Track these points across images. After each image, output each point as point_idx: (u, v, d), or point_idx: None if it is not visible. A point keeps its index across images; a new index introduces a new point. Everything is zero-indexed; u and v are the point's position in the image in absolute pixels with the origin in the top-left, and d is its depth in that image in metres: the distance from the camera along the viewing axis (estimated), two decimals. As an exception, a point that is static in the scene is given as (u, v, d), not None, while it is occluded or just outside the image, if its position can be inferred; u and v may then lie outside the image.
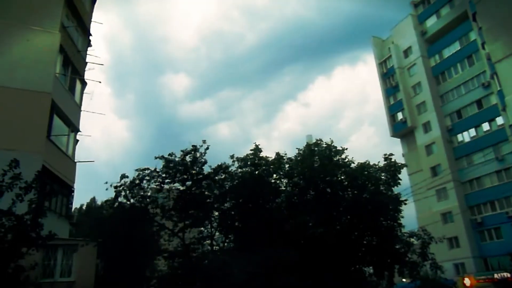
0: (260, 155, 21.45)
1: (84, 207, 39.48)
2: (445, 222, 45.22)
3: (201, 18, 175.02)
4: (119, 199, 19.69)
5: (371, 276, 22.47)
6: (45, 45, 17.35)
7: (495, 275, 34.86)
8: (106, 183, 19.32)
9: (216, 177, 20.90)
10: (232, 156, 21.27)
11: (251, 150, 21.60)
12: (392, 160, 22.59)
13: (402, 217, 22.32)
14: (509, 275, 22.66)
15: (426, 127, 49.71)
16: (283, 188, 22.17)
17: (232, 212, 20.79)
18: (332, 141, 22.40)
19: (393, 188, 22.33)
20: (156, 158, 20.18)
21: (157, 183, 20.42)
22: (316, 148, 22.61)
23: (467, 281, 37.23)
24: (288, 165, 22.25)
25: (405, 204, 22.61)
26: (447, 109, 48.50)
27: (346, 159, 22.38)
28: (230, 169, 21.14)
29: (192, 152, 20.53)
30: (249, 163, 21.18)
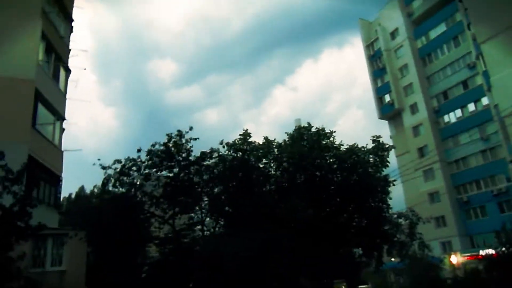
0: (249, 140, 21.42)
1: (72, 196, 39.18)
2: (432, 202, 46.22)
3: (187, 3, 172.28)
4: (108, 187, 19.73)
5: (361, 257, 22.91)
6: (26, 32, 16.96)
7: (481, 252, 35.84)
8: (97, 163, 19.31)
9: (204, 163, 20.77)
10: (221, 142, 21.19)
11: (240, 135, 21.52)
12: (380, 142, 22.88)
13: (390, 198, 22.73)
14: (494, 252, 23.20)
15: (413, 108, 50.23)
16: (273, 173, 22.27)
17: (222, 197, 20.79)
18: (323, 127, 22.58)
19: (381, 170, 22.63)
20: (138, 151, 19.93)
21: (143, 173, 20.31)
22: (305, 132, 22.78)
23: (453, 259, 38.24)
24: (277, 150, 22.32)
25: (393, 185, 23.01)
26: (433, 91, 49.01)
27: (335, 143, 22.60)
28: (216, 150, 21.02)
29: (176, 138, 20.31)
30: (238, 148, 21.08)
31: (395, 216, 23.10)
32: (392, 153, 24.82)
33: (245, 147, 21.24)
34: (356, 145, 22.74)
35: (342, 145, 22.45)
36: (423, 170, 47.12)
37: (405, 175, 41.88)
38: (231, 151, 21.17)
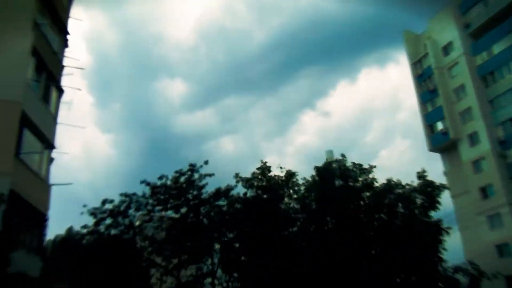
0: (270, 175, 21.84)
1: (59, 239, 39.57)
2: (501, 256, 44.42)
3: (200, 13, 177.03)
4: (101, 229, 20.09)
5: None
6: (15, 46, 17.33)
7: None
8: (85, 206, 19.66)
9: (217, 202, 21.25)
10: (236, 175, 21.59)
11: (257, 168, 21.92)
12: (428, 178, 22.92)
13: (445, 249, 22.28)
14: None
15: (473, 139, 49.34)
16: (298, 215, 22.37)
17: (237, 245, 20.86)
18: (360, 165, 22.83)
19: (430, 214, 22.51)
20: (142, 182, 20.54)
21: (145, 212, 20.87)
22: (337, 166, 22.95)
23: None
24: (303, 187, 22.56)
25: (448, 233, 22.50)
26: (498, 117, 48.13)
27: (376, 180, 22.86)
28: (233, 191, 21.62)
29: (188, 173, 20.93)
30: (255, 184, 21.51)
31: (452, 271, 22.36)
32: (446, 194, 24.57)
33: (264, 183, 21.61)
34: (397, 181, 22.80)
35: (376, 182, 22.61)
36: (488, 215, 45.76)
37: (464, 221, 40.65)
38: (247, 188, 21.57)
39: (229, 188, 21.32)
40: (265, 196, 21.30)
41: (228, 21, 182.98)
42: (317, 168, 23.01)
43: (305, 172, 21.99)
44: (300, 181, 22.72)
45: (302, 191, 22.48)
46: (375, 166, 22.80)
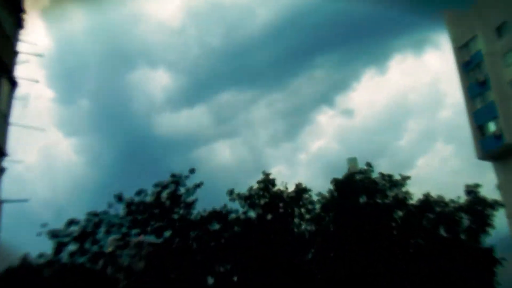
0: (274, 190, 21.85)
1: (11, 268, 39.49)
2: None
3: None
4: (63, 257, 20.02)
5: None
6: None
7: None
8: (46, 225, 19.57)
9: (210, 226, 21.22)
10: (231, 192, 21.58)
11: (258, 182, 21.88)
12: (478, 194, 22.85)
13: (499, 283, 22.07)
14: None
15: (534, 143, 49.09)
16: (312, 237, 22.34)
17: (235, 278, 20.84)
18: (390, 177, 22.83)
19: (480, 238, 22.32)
20: (115, 198, 20.59)
21: (119, 236, 20.82)
22: (361, 179, 22.99)
23: None
24: (319, 205, 22.57)
25: (502, 264, 22.09)
26: None
27: (411, 195, 22.78)
28: (230, 211, 21.60)
29: (172, 186, 20.88)
30: (257, 201, 21.46)
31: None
32: (500, 213, 24.27)
33: (267, 200, 21.66)
34: (437, 196, 22.79)
35: (411, 198, 22.58)
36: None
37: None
38: (247, 207, 21.58)
39: (227, 212, 21.37)
40: (269, 216, 21.39)
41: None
42: (336, 181, 22.99)
43: (321, 186, 21.61)
44: (315, 197, 22.72)
45: (317, 210, 22.47)
46: (409, 178, 22.73)
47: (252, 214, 21.61)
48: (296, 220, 22.09)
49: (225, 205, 21.32)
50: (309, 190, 22.67)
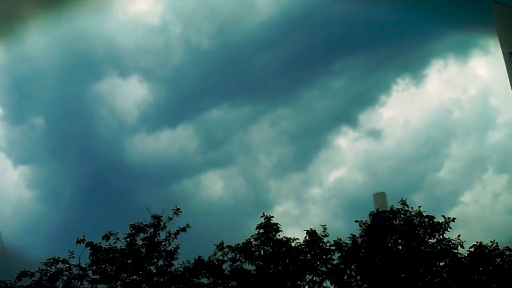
0: (277, 238, 19.74)
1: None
2: None
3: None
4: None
5: None
6: None
7: None
8: None
9: (197, 280, 18.99)
10: (220, 246, 19.48)
11: (258, 227, 19.90)
12: None
13: None
14: None
15: None
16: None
17: None
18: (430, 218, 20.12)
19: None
20: (78, 243, 18.17)
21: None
22: (392, 219, 20.42)
23: None
24: (337, 254, 20.12)
25: None
26: None
27: (455, 240, 20.04)
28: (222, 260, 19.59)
29: (150, 231, 18.68)
30: (256, 253, 19.44)
31: None
32: None
33: (268, 250, 19.59)
34: (491, 245, 20.11)
35: (460, 244, 19.87)
36: None
37: None
38: (242, 260, 19.44)
39: (219, 262, 19.21)
40: (271, 269, 19.22)
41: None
42: (360, 223, 20.56)
43: (339, 229, 18.96)
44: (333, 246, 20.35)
45: (336, 260, 19.99)
46: (453, 220, 19.94)
47: (248, 267, 19.58)
48: (309, 276, 19.77)
49: (215, 254, 19.28)
50: (324, 234, 20.44)
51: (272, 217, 19.88)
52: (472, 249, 19.74)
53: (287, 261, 19.19)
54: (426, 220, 19.86)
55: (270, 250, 19.25)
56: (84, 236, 18.17)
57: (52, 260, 18.02)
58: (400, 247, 19.86)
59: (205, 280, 19.04)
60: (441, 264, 19.86)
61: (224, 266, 19.32)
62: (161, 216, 18.77)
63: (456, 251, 19.74)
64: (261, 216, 19.92)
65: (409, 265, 18.89)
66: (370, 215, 20.81)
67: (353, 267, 19.70)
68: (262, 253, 19.29)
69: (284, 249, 19.30)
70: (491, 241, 19.95)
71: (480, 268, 19.63)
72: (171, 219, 18.83)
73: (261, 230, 19.54)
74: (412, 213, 20.15)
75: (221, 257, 19.30)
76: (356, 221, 20.50)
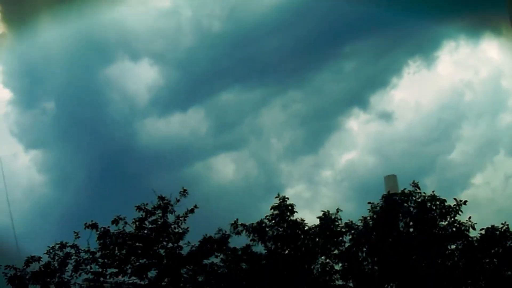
0: (292, 219, 19.30)
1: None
2: None
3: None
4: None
5: None
6: None
7: None
8: None
9: (206, 261, 18.89)
10: (235, 225, 19.09)
11: (272, 208, 19.42)
12: None
13: None
14: None
15: None
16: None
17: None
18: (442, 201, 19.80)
19: None
20: (87, 227, 18.20)
21: (91, 276, 18.39)
22: (404, 201, 20.09)
23: None
24: (350, 236, 19.84)
25: None
26: None
27: (466, 223, 19.74)
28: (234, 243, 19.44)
29: (159, 213, 18.53)
30: (270, 233, 19.10)
31: None
32: None
33: (284, 230, 19.25)
34: (503, 226, 19.71)
35: (472, 227, 19.65)
36: None
37: None
38: (256, 240, 19.14)
39: (225, 236, 18.89)
40: (287, 251, 19.05)
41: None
42: (372, 206, 20.14)
43: (350, 212, 18.90)
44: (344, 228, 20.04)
45: (347, 243, 19.79)
46: (464, 203, 19.56)
47: (261, 249, 19.42)
48: (323, 259, 19.81)
49: (221, 230, 19.14)
50: (338, 217, 19.96)
51: (287, 198, 19.62)
52: (483, 232, 19.54)
53: (299, 243, 19.02)
54: (438, 203, 19.55)
55: (283, 232, 19.05)
56: (92, 221, 18.15)
57: (59, 245, 17.99)
58: (411, 229, 19.72)
59: (215, 260, 18.87)
60: (453, 247, 19.62)
61: (234, 245, 19.12)
62: (169, 199, 18.55)
63: (467, 233, 19.50)
64: (276, 197, 19.64)
65: (420, 248, 18.78)
66: (382, 197, 20.51)
67: (365, 249, 19.54)
68: (275, 233, 19.10)
69: (297, 230, 19.10)
70: (502, 223, 19.64)
71: (492, 251, 19.41)
72: (178, 201, 18.61)
73: (276, 211, 19.31)
74: (424, 197, 19.94)
75: (229, 233, 19.11)
76: (369, 203, 20.23)
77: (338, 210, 19.91)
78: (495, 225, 19.77)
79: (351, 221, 19.93)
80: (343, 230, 19.72)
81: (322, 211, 20.01)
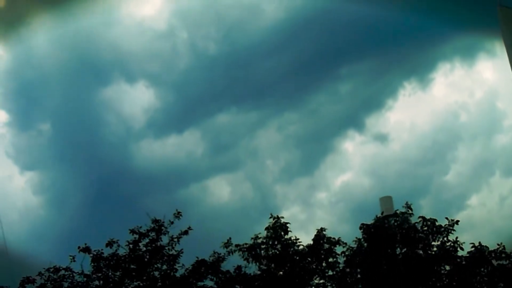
0: (286, 238, 19.39)
1: None
2: None
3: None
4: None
5: None
6: None
7: None
8: None
9: (201, 282, 18.87)
10: (227, 243, 19.12)
11: (267, 228, 19.49)
12: None
13: None
14: None
15: None
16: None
17: None
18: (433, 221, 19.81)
19: None
20: (81, 251, 18.22)
21: None
22: (397, 223, 20.22)
23: None
24: (344, 258, 19.79)
25: None
26: None
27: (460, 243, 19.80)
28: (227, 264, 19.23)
29: (152, 235, 18.51)
30: (263, 252, 19.19)
31: None
32: None
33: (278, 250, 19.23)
34: (498, 247, 19.63)
35: (461, 247, 19.73)
36: None
37: None
38: (250, 260, 19.07)
39: (218, 259, 18.77)
40: (281, 272, 18.92)
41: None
42: (365, 227, 20.12)
43: (346, 233, 19.19)
44: (338, 249, 19.92)
45: (342, 264, 19.73)
46: (457, 222, 19.66)
47: (254, 269, 19.37)
48: (317, 280, 19.77)
49: (216, 253, 18.96)
50: (332, 239, 19.97)
51: (282, 217, 19.62)
52: (471, 251, 19.51)
53: (294, 263, 18.93)
54: (429, 223, 19.58)
55: (277, 252, 19.03)
56: (85, 244, 18.13)
57: (53, 269, 17.92)
58: (402, 250, 19.69)
59: (209, 283, 18.83)
60: (447, 267, 19.61)
61: (227, 267, 19.00)
62: (163, 221, 18.58)
63: (455, 254, 19.56)
64: (270, 217, 19.62)
65: (411, 270, 18.74)
66: (375, 219, 20.59)
67: (359, 270, 19.50)
68: (269, 253, 19.07)
69: (291, 250, 19.02)
70: (498, 244, 19.50)
71: (482, 269, 19.35)
72: (172, 223, 18.62)
73: (270, 232, 19.29)
74: (415, 219, 19.98)
75: (225, 255, 19.00)
76: (361, 227, 20.25)
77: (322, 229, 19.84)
78: (491, 245, 19.59)
79: (345, 243, 19.70)
80: (335, 250, 19.56)
81: (317, 229, 19.90)
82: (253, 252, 18.96)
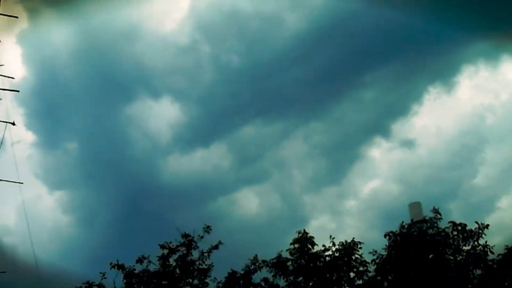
0: (313, 252, 19.28)
1: None
2: None
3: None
4: None
5: None
6: None
7: None
8: None
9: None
10: (254, 260, 19.17)
11: (292, 243, 19.39)
12: None
13: None
14: None
15: None
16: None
17: None
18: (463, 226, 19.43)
19: None
20: (112, 267, 18.31)
21: None
22: (428, 229, 20.10)
23: None
24: (374, 266, 19.68)
25: None
26: None
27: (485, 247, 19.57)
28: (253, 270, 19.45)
29: (183, 250, 18.66)
30: (290, 265, 19.20)
31: None
32: None
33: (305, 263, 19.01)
34: None
35: (491, 250, 19.38)
36: None
37: None
38: (277, 274, 19.10)
39: (249, 271, 18.89)
40: (311, 284, 18.91)
41: (244, 2, 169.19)
42: (391, 235, 20.06)
43: (376, 241, 19.08)
44: (368, 256, 19.83)
45: (372, 273, 19.71)
46: (487, 226, 19.36)
47: (281, 282, 19.41)
48: None
49: (247, 266, 19.10)
50: (360, 246, 19.82)
51: (307, 232, 19.50)
52: (502, 254, 19.32)
53: (321, 275, 18.78)
54: (459, 228, 19.35)
55: (304, 263, 18.86)
56: (118, 261, 18.25)
57: (86, 285, 18.19)
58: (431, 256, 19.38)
59: None
60: (478, 272, 19.36)
61: (255, 280, 19.10)
62: (192, 236, 18.70)
63: (486, 257, 19.28)
64: (297, 231, 19.49)
65: (442, 275, 18.58)
66: (400, 226, 20.40)
67: (390, 278, 19.33)
68: (296, 266, 18.95)
69: (318, 262, 18.87)
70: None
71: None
72: (202, 237, 18.77)
73: (296, 245, 19.15)
74: (444, 223, 19.80)
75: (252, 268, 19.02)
76: (386, 235, 20.21)
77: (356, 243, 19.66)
78: None
79: (375, 251, 19.71)
80: (363, 259, 19.43)
81: (341, 242, 19.74)
82: (280, 268, 18.98)
